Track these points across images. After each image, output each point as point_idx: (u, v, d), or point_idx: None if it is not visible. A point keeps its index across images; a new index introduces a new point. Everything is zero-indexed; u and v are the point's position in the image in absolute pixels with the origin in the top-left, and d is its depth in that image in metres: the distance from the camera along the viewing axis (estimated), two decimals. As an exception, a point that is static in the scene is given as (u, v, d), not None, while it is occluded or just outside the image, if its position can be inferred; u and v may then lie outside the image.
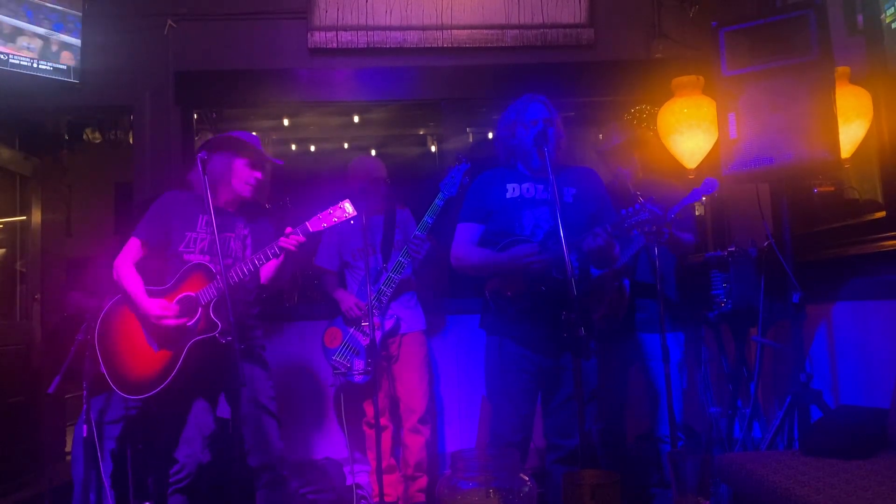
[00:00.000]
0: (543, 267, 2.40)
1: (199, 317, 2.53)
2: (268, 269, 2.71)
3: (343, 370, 3.27)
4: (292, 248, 2.51)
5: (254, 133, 5.24)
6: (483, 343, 2.65)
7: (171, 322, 2.52)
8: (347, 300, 3.36)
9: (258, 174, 2.70)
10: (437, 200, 3.25)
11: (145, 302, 2.55)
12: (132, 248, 2.65)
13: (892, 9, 2.72)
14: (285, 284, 2.85)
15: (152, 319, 2.53)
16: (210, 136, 5.06)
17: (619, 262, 2.91)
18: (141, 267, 2.65)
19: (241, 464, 2.56)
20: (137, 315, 2.60)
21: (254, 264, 2.53)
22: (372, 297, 3.07)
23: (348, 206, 2.53)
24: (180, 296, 2.57)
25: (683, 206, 2.90)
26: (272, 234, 2.72)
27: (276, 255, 2.53)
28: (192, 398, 2.61)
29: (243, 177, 2.68)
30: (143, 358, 2.58)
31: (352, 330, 3.35)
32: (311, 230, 2.54)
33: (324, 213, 2.55)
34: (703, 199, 3.00)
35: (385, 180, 3.51)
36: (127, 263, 2.62)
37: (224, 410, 2.70)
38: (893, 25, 2.72)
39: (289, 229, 2.52)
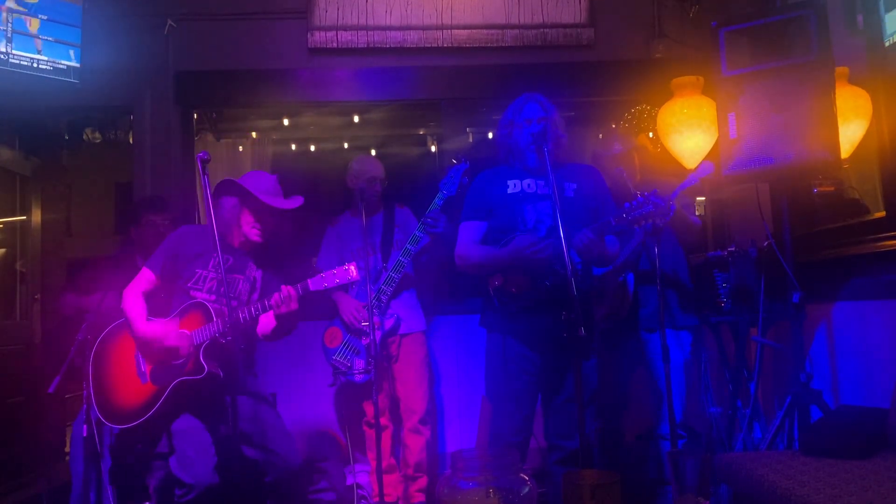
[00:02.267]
0: (547, 258, 2.39)
1: (187, 357, 2.52)
2: (265, 326, 2.66)
3: (343, 370, 3.27)
4: (280, 310, 2.45)
5: (254, 134, 5.31)
6: (483, 343, 2.65)
7: (169, 343, 2.50)
8: (347, 304, 3.35)
9: (265, 221, 2.68)
10: (436, 199, 3.26)
11: (145, 326, 2.55)
12: (143, 279, 2.67)
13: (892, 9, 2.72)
14: (280, 338, 2.81)
15: (150, 341, 2.52)
16: (210, 136, 5.08)
17: (618, 259, 2.91)
18: (150, 297, 2.67)
19: (249, 483, 2.55)
20: (135, 338, 2.60)
21: (257, 310, 2.50)
22: (372, 297, 3.07)
23: (353, 270, 2.50)
24: (177, 333, 2.57)
25: (682, 188, 2.90)
26: (280, 282, 2.65)
27: (266, 310, 2.50)
28: (185, 423, 2.57)
29: (250, 223, 2.68)
30: (129, 388, 2.59)
31: (352, 333, 3.35)
32: (310, 289, 2.51)
33: (328, 272, 2.52)
34: (705, 186, 3.00)
35: (383, 181, 3.52)
36: (135, 292, 2.65)
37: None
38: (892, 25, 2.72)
39: (284, 288, 2.46)
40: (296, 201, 2.72)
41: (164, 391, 2.51)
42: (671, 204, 2.75)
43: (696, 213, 4.08)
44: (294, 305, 2.46)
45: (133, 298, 2.63)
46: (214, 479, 2.50)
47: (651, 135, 4.04)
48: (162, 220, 3.24)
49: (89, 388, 2.64)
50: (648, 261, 3.06)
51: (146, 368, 2.61)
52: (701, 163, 2.93)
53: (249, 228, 2.68)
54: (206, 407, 2.58)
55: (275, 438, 2.65)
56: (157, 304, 2.67)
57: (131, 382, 2.60)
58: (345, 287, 3.33)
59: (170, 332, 2.54)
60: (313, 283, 2.51)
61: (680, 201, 2.87)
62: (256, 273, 2.73)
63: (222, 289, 2.39)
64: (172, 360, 2.55)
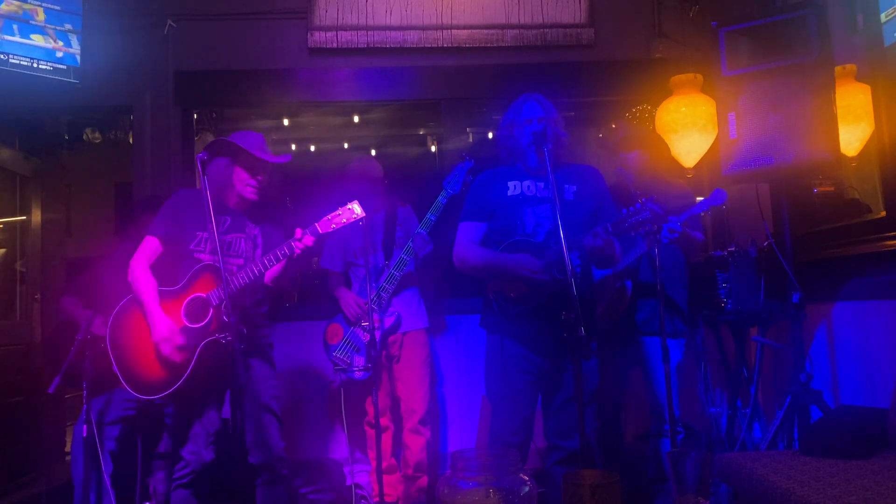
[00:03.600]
0: (547, 279, 2.40)
1: (210, 318, 2.53)
2: (272, 270, 2.70)
3: (343, 366, 3.27)
4: (301, 251, 2.52)
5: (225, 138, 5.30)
6: (483, 342, 2.65)
7: (167, 350, 2.50)
8: (347, 298, 3.36)
9: (259, 177, 2.69)
10: (440, 198, 3.26)
11: (156, 317, 2.54)
12: (148, 247, 2.63)
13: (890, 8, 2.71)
14: (287, 284, 2.85)
15: (155, 338, 2.52)
16: (210, 136, 5.07)
17: (620, 264, 2.91)
18: (155, 266, 2.64)
19: (241, 462, 2.55)
20: (147, 322, 2.59)
21: (263, 265, 2.54)
22: (372, 295, 3.07)
23: (356, 207, 2.54)
24: (191, 296, 2.57)
25: (692, 214, 2.90)
26: (281, 235, 2.73)
27: (286, 257, 2.54)
28: (201, 397, 2.63)
29: (244, 180, 2.68)
30: (155, 358, 2.57)
31: (353, 328, 3.35)
32: (320, 232, 2.55)
33: (333, 213, 2.56)
34: (702, 183, 3.01)
35: (383, 180, 3.52)
36: (142, 265, 2.60)
37: (226, 409, 2.70)
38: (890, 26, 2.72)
39: (298, 231, 2.52)
40: (284, 157, 2.75)
41: (193, 356, 2.51)
42: (679, 228, 2.75)
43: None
44: (309, 242, 2.51)
45: (142, 275, 2.58)
46: (210, 456, 2.59)
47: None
48: None
49: (112, 362, 2.61)
50: (650, 269, 3.06)
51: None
52: (715, 190, 2.91)
53: (243, 186, 2.68)
54: (222, 376, 2.56)
55: (268, 421, 2.67)
56: (164, 273, 2.65)
57: (156, 352, 2.58)
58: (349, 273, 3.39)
59: (177, 335, 2.53)
60: (322, 226, 2.54)
61: (686, 225, 2.87)
62: (255, 230, 2.74)
63: (223, 248, 2.43)
64: (195, 324, 2.54)
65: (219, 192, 2.67)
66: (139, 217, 3.27)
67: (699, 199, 3.09)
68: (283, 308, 4.14)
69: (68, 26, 3.72)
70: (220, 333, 2.48)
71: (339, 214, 2.55)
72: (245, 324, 2.48)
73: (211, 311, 2.53)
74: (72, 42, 3.73)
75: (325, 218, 2.56)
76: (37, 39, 3.62)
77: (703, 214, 3.04)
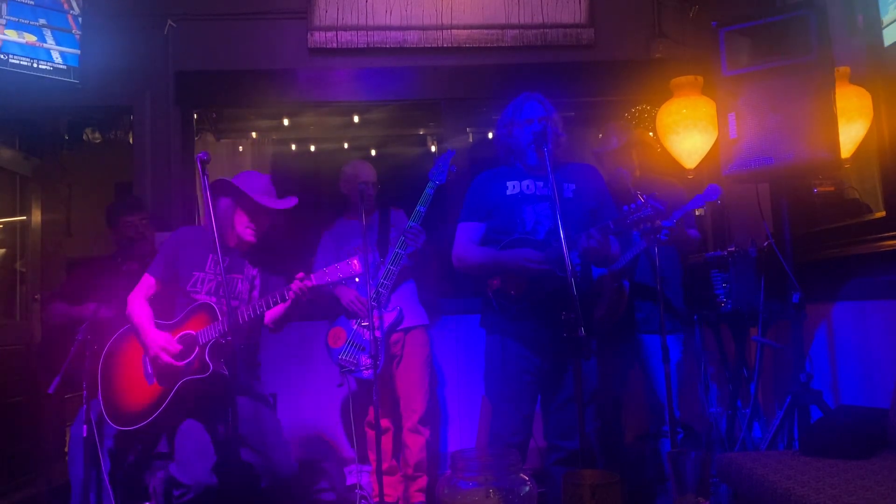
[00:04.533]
0: (546, 269, 2.40)
1: (194, 356, 2.55)
2: (274, 312, 2.72)
3: (350, 367, 3.27)
4: (298, 294, 2.52)
5: (254, 134, 5.31)
6: (483, 343, 2.65)
7: (166, 359, 2.54)
8: (348, 294, 3.36)
9: (259, 221, 2.70)
10: (427, 189, 3.30)
11: (150, 333, 2.59)
12: (145, 284, 2.71)
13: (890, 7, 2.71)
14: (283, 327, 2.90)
15: (153, 350, 2.56)
16: (210, 136, 5.07)
17: (618, 263, 2.91)
18: (154, 301, 2.71)
19: (244, 484, 2.56)
20: (142, 344, 2.63)
21: (261, 308, 2.54)
22: (372, 294, 3.08)
23: (355, 263, 2.54)
24: (183, 332, 2.60)
25: (686, 211, 2.90)
26: (280, 280, 2.75)
27: (283, 300, 2.54)
28: (186, 424, 2.60)
29: (244, 223, 2.70)
30: (136, 390, 2.62)
31: (355, 327, 3.35)
32: (313, 283, 2.55)
33: (330, 267, 2.57)
34: (701, 183, 3.02)
35: (376, 184, 3.55)
36: (139, 298, 2.68)
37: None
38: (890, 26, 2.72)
39: (300, 274, 2.54)
40: (289, 202, 2.74)
41: (170, 391, 2.53)
42: (673, 224, 2.76)
43: (697, 213, 4.08)
44: (306, 289, 2.53)
45: (139, 305, 2.66)
46: (212, 480, 2.51)
47: (651, 134, 4.03)
48: (139, 220, 3.24)
49: (98, 390, 2.67)
50: (648, 269, 3.06)
51: (153, 370, 2.64)
52: (708, 186, 2.92)
53: (243, 229, 2.70)
54: (209, 407, 2.60)
55: (272, 444, 2.66)
56: (161, 308, 2.70)
57: (139, 384, 2.63)
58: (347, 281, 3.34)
59: (173, 344, 2.57)
60: (316, 278, 2.55)
61: (681, 222, 2.88)
62: (253, 271, 2.76)
63: (221, 290, 2.45)
64: (178, 362, 2.56)
65: (220, 231, 2.68)
66: (116, 220, 3.26)
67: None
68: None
69: (68, 26, 3.72)
70: (199, 374, 2.51)
71: (337, 269, 2.55)
72: (230, 368, 2.52)
73: (196, 349, 2.55)
74: (72, 42, 3.73)
75: (322, 270, 2.57)
76: (37, 39, 3.62)
77: (700, 213, 3.05)
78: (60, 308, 3.14)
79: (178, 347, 2.56)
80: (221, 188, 2.71)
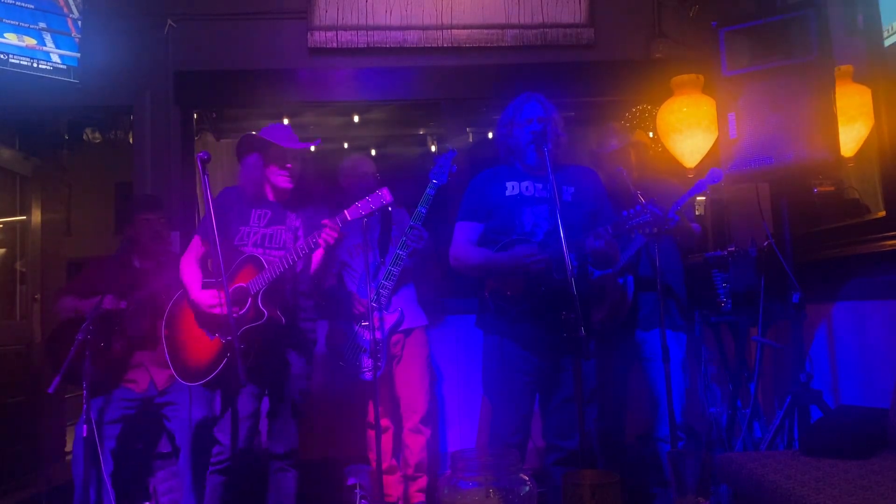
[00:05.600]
0: (544, 267, 2.40)
1: (248, 306, 2.64)
2: (315, 261, 2.81)
3: (353, 370, 3.27)
4: (329, 242, 2.58)
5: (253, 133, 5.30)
6: (482, 342, 2.65)
7: (219, 311, 2.64)
8: (348, 297, 3.35)
9: (289, 166, 2.79)
10: (428, 189, 3.28)
11: (197, 293, 2.71)
12: (194, 245, 2.84)
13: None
14: (326, 276, 3.00)
15: (204, 308, 2.67)
16: (210, 136, 5.07)
17: (619, 263, 2.91)
18: (204, 261, 2.85)
19: (258, 450, 2.70)
20: (191, 306, 2.76)
21: (297, 253, 2.62)
22: (372, 294, 3.08)
23: (386, 193, 2.59)
24: (233, 287, 2.66)
25: (690, 196, 2.90)
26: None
27: (317, 247, 2.61)
28: (244, 390, 2.70)
29: (275, 171, 2.80)
30: (200, 346, 2.73)
31: (357, 328, 3.34)
32: (348, 219, 2.59)
33: (362, 201, 2.60)
34: (708, 189, 3.01)
35: (375, 176, 3.53)
36: (189, 260, 2.81)
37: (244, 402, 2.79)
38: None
39: (325, 221, 2.59)
40: (311, 143, 2.89)
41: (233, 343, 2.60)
42: (673, 216, 2.75)
43: (697, 212, 4.08)
44: (336, 234, 2.58)
45: (188, 267, 2.78)
46: (245, 443, 2.68)
47: (651, 134, 4.03)
48: (157, 218, 3.24)
49: (165, 353, 2.83)
50: (648, 265, 3.06)
51: (211, 325, 2.73)
52: (711, 170, 2.92)
53: (276, 176, 2.80)
54: (266, 364, 2.71)
55: (287, 415, 2.79)
56: (213, 266, 2.82)
57: (202, 340, 2.74)
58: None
59: (222, 297, 2.64)
60: (350, 213, 2.60)
61: (683, 211, 2.87)
62: (296, 222, 2.85)
63: (267, 241, 2.71)
64: (230, 312, 2.61)
65: (257, 187, 2.83)
66: (134, 216, 3.27)
67: (698, 199, 3.09)
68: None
69: (67, 30, 3.72)
70: (256, 321, 2.61)
71: (369, 201, 2.60)
72: (286, 314, 2.64)
73: (249, 299, 2.64)
74: (71, 45, 3.72)
75: (355, 205, 2.61)
76: (37, 39, 3.62)
77: (700, 212, 3.05)
78: (71, 302, 3.14)
79: (216, 301, 2.65)
80: (248, 144, 2.84)
